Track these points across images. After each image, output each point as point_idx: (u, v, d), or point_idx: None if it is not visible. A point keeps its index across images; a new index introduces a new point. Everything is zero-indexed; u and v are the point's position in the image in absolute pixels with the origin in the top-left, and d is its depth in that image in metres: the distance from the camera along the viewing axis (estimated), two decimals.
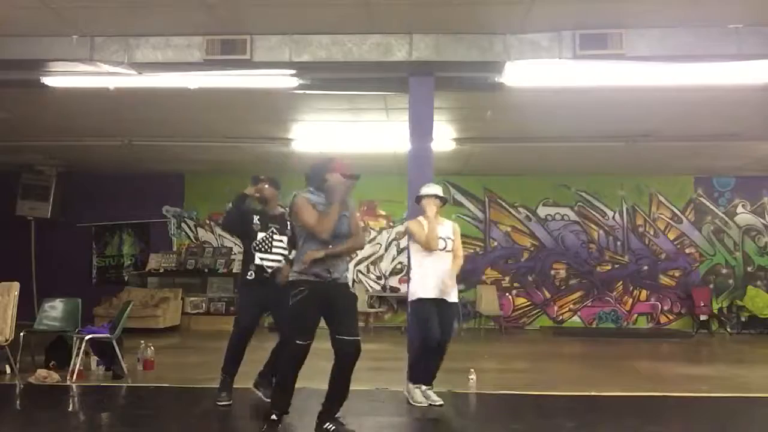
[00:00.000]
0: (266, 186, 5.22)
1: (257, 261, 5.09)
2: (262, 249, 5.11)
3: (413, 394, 5.17)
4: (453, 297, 5.21)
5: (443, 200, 5.31)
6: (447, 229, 5.29)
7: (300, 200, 4.19)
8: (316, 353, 4.16)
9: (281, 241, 5.15)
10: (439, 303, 5.13)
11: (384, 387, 5.72)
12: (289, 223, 5.10)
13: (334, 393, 4.20)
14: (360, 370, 5.38)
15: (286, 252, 5.13)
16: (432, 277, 5.14)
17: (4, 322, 6.04)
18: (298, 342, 4.10)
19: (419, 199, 5.30)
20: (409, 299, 5.30)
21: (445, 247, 5.19)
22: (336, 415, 4.20)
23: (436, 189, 5.30)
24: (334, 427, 4.13)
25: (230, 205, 5.30)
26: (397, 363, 5.69)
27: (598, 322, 11.91)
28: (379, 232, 12.09)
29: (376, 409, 5.17)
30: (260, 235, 5.12)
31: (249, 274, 5.11)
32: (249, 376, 5.24)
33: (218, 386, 5.15)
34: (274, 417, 4.14)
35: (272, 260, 5.09)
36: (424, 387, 5.20)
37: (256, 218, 5.16)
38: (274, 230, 5.14)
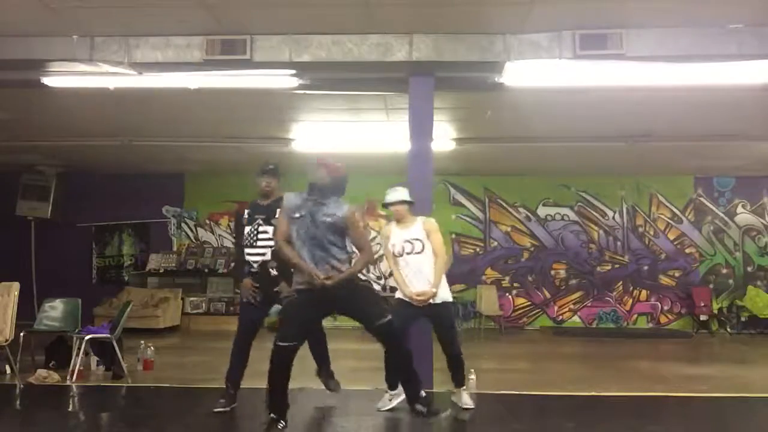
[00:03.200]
0: (266, 182, 5.05)
1: (246, 257, 4.97)
2: (248, 243, 4.97)
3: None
4: (438, 298, 4.99)
5: (407, 203, 5.12)
6: (415, 230, 5.07)
7: (358, 216, 4.37)
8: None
9: (266, 232, 4.91)
10: (419, 307, 4.98)
11: (384, 387, 5.71)
12: (279, 210, 4.72)
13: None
14: (360, 370, 5.38)
15: (271, 243, 4.80)
16: (408, 280, 5.03)
17: (4, 322, 6.04)
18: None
19: (387, 206, 5.15)
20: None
21: (412, 250, 5.01)
22: (422, 394, 4.70)
23: (396, 194, 5.10)
24: (425, 409, 4.67)
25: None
26: None
27: (598, 322, 11.92)
28: (379, 232, 12.09)
29: (376, 409, 5.16)
30: (246, 230, 4.99)
31: (245, 270, 4.99)
32: (250, 375, 5.24)
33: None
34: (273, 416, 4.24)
35: (256, 254, 4.93)
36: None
37: (246, 212, 5.05)
38: (260, 221, 4.96)
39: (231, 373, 5.04)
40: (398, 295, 5.15)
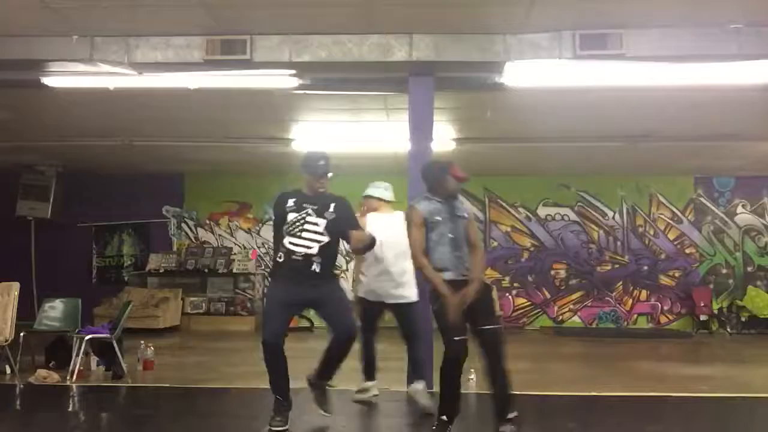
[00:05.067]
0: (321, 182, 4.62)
1: (286, 244, 4.45)
2: (291, 231, 4.45)
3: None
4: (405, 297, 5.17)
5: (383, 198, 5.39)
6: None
7: (411, 214, 4.30)
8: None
9: (315, 224, 4.45)
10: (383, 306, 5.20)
11: (384, 387, 5.72)
12: (334, 206, 4.49)
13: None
14: (360, 371, 5.38)
15: (320, 237, 4.43)
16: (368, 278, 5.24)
17: (4, 322, 6.05)
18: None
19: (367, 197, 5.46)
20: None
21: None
22: (509, 416, 4.23)
23: (374, 190, 5.42)
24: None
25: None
26: (397, 363, 5.67)
27: (598, 322, 11.91)
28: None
29: (376, 409, 5.17)
30: (291, 216, 4.48)
31: (279, 256, 4.49)
32: (250, 375, 5.23)
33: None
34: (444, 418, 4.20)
35: (299, 244, 4.42)
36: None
37: (291, 200, 4.55)
38: (310, 211, 4.47)
39: (281, 383, 4.45)
40: (361, 293, 5.24)
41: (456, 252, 4.25)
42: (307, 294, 4.42)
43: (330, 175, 4.57)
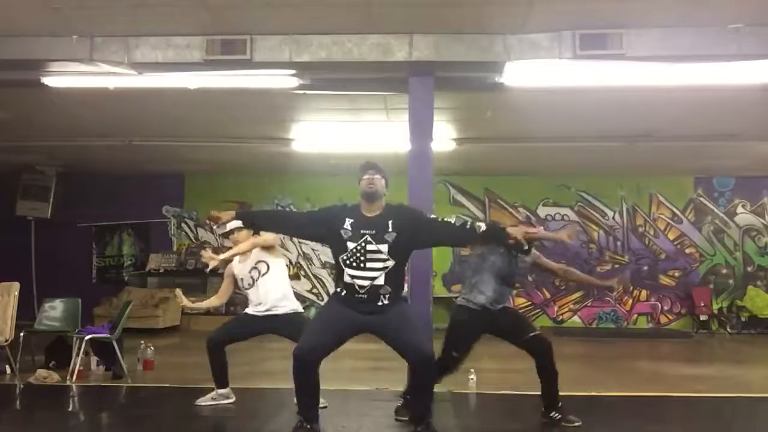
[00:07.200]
0: (369, 178, 4.11)
1: (347, 279, 4.03)
2: (353, 264, 4.00)
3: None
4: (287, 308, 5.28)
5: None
6: (253, 256, 5.41)
7: None
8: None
9: (378, 251, 3.99)
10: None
11: (384, 387, 5.72)
12: (392, 223, 4.04)
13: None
14: (360, 370, 5.39)
15: (385, 264, 3.99)
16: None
17: (4, 322, 6.04)
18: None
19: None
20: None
21: (259, 274, 5.38)
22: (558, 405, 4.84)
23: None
24: (559, 416, 4.80)
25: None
26: (397, 363, 5.67)
27: (598, 322, 11.92)
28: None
29: (376, 409, 5.17)
30: (350, 246, 4.01)
31: (340, 289, 4.12)
32: (250, 375, 5.23)
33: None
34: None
35: (365, 277, 4.00)
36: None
37: (348, 222, 4.05)
38: (368, 238, 4.00)
39: (309, 408, 4.14)
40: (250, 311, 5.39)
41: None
42: (363, 321, 4.07)
43: (373, 172, 4.12)
